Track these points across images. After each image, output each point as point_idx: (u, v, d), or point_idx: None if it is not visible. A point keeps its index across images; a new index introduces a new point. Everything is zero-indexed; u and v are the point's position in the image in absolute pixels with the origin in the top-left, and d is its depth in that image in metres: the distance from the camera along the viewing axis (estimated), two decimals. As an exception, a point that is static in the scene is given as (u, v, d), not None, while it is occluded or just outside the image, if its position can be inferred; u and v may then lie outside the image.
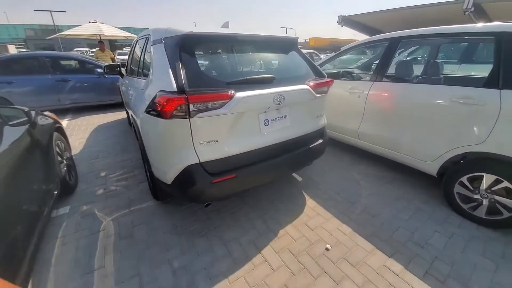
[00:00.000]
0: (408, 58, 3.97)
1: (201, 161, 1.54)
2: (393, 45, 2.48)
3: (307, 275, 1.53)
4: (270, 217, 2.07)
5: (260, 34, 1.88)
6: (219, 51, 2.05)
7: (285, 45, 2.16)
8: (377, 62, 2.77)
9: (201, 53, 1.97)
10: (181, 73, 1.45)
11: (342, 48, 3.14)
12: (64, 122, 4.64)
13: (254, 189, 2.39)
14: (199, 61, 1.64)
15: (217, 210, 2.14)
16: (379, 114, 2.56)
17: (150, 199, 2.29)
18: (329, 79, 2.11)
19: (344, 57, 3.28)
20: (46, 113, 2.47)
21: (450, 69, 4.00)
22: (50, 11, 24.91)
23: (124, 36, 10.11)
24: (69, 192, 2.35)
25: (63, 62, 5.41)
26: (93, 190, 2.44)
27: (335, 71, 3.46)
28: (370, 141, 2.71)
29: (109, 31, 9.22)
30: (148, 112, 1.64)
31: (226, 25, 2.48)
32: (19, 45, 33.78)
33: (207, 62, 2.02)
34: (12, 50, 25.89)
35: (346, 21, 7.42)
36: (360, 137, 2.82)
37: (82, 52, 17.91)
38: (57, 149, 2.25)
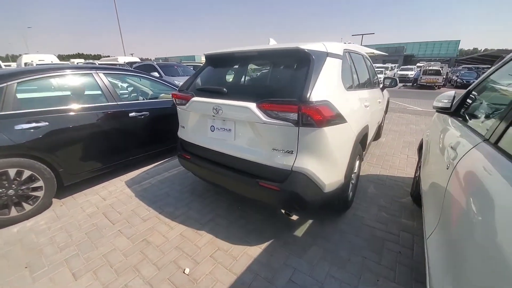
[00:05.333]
0: None
1: (180, 137, 2.39)
2: None
3: (154, 254, 1.89)
4: (238, 225, 2.20)
5: (251, 49, 1.91)
6: (221, 65, 2.33)
7: (279, 58, 2.00)
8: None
9: (210, 67, 2.34)
10: (188, 81, 2.28)
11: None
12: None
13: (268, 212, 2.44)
14: (205, 72, 2.27)
15: (228, 200, 2.63)
16: (460, 220, 0.98)
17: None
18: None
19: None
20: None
21: None
22: (362, 34, 32.94)
23: (371, 53, 10.59)
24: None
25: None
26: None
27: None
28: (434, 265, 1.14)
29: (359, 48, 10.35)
30: None
31: (268, 41, 2.30)
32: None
33: (208, 73, 2.33)
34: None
35: None
36: (428, 249, 1.26)
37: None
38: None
